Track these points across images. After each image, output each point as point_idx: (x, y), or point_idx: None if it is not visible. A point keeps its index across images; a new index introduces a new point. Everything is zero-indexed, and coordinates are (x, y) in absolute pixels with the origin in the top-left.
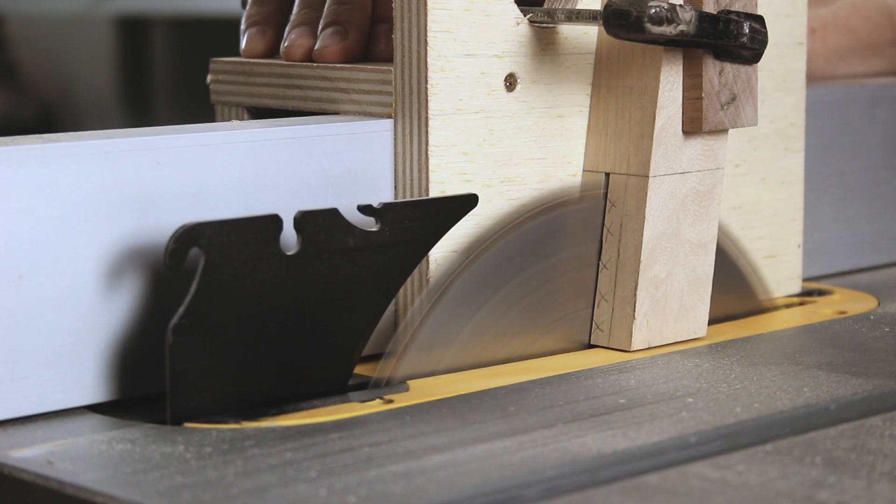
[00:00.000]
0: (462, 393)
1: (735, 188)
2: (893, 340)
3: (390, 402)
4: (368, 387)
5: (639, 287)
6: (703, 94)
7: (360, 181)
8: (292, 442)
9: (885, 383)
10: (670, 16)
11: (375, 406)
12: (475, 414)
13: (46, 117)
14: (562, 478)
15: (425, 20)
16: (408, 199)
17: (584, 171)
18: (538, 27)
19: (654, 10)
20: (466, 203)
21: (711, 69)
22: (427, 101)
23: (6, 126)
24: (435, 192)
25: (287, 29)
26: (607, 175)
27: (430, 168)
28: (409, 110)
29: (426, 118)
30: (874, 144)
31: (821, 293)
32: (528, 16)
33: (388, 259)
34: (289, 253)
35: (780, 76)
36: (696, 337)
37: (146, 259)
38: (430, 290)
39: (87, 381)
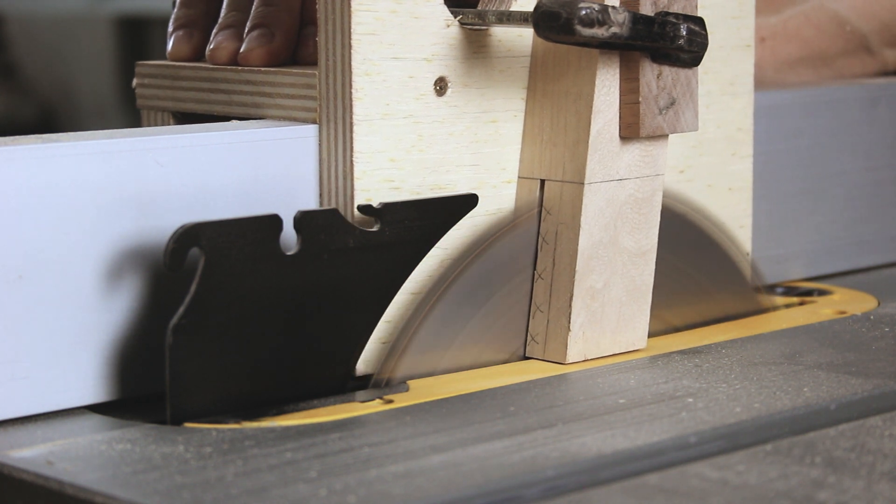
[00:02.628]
0: (462, 393)
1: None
2: (893, 340)
3: (390, 402)
4: (368, 387)
5: (574, 297)
6: (640, 99)
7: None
8: (292, 442)
9: (885, 383)
10: (602, 17)
11: (375, 406)
12: (475, 414)
13: (46, 117)
14: (562, 478)
15: (349, 22)
16: (409, 200)
17: (519, 177)
18: (469, 29)
19: (584, 12)
20: (467, 203)
21: (649, 72)
22: (352, 105)
23: (6, 126)
24: (360, 199)
25: (213, 31)
26: (542, 182)
27: (356, 175)
28: (333, 115)
29: (351, 123)
30: (874, 144)
31: (821, 293)
32: (459, 17)
33: (388, 259)
34: (288, 253)
35: (727, 79)
36: (636, 349)
37: (146, 259)
38: (432, 288)
39: (87, 381)
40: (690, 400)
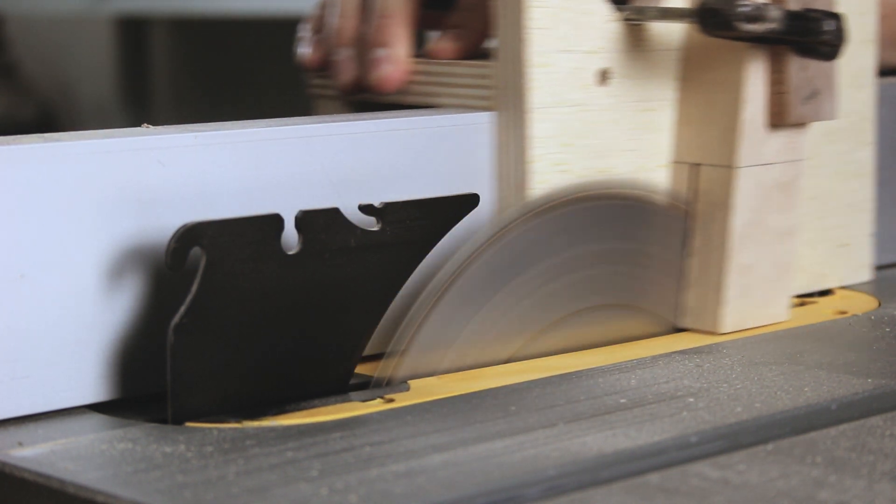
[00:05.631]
0: (463, 392)
1: (810, 179)
2: (894, 340)
3: (391, 401)
4: (369, 386)
5: (728, 273)
6: (787, 89)
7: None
8: (293, 441)
9: (885, 383)
10: (759, 14)
11: (376, 405)
12: (476, 413)
13: (46, 117)
14: (563, 477)
15: (525, 18)
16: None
17: (674, 162)
18: (630, 24)
19: (744, 10)
20: (467, 203)
21: (795, 65)
22: (527, 94)
23: (6, 126)
24: (534, 182)
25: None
26: (696, 166)
27: (529, 160)
28: (510, 104)
29: (526, 111)
30: (875, 144)
31: (821, 293)
32: (625, 14)
33: (390, 259)
34: (290, 252)
35: (852, 73)
36: (780, 321)
37: (147, 258)
38: (432, 288)
39: (88, 381)
40: (691, 399)
